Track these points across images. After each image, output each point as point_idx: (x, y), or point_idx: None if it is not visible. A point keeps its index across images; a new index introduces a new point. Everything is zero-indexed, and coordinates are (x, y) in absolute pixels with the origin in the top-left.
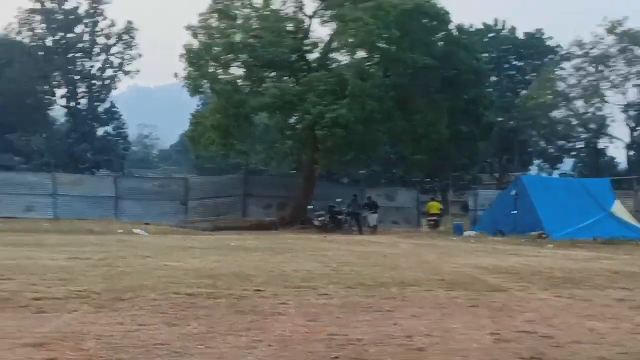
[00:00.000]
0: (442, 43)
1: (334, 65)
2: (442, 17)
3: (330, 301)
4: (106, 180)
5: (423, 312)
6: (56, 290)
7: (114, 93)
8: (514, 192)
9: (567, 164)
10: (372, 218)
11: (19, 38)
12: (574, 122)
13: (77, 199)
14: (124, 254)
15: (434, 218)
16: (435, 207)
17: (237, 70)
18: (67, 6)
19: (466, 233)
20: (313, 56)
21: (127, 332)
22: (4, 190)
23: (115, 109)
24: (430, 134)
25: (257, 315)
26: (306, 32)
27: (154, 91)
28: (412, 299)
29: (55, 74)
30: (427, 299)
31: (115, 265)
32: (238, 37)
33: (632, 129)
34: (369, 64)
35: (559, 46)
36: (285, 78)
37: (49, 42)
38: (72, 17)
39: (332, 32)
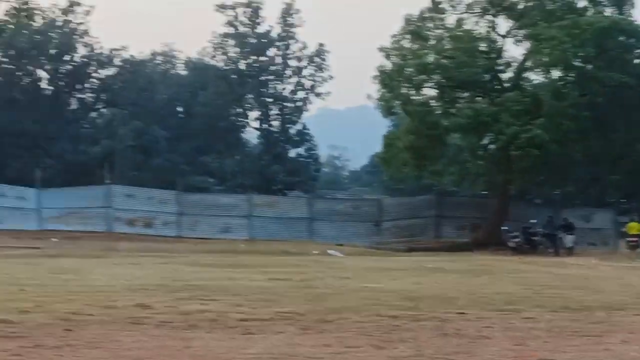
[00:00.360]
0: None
1: (528, 85)
2: None
3: (535, 325)
4: (299, 201)
5: (634, 337)
6: (261, 311)
7: (305, 115)
8: None
9: None
10: (568, 239)
11: (212, 62)
12: None
13: (271, 219)
14: (322, 275)
15: (635, 239)
16: (635, 228)
17: (429, 91)
18: (260, 30)
19: None
20: (506, 75)
21: (335, 354)
22: (200, 212)
23: (306, 131)
24: (628, 154)
25: (462, 339)
26: (499, 52)
27: (344, 112)
28: (621, 324)
29: (248, 96)
30: (636, 323)
31: (315, 286)
32: (430, 58)
33: None
34: (564, 82)
35: None
36: (478, 98)
37: (241, 65)
38: (265, 40)
39: (525, 51)
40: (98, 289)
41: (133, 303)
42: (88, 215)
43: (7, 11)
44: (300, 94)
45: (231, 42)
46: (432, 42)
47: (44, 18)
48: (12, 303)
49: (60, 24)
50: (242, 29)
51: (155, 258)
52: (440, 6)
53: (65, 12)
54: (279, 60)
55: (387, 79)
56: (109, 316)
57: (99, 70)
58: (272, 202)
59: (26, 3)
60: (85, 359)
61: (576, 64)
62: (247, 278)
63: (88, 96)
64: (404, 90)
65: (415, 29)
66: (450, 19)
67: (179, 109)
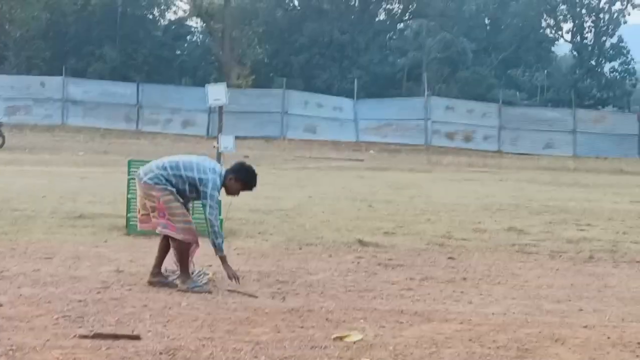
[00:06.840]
0: None
1: None
2: None
3: None
4: (628, 117)
5: None
6: None
7: (621, 27)
8: None
9: None
10: None
11: None
12: None
13: (597, 136)
14: None
15: None
16: None
17: None
18: None
19: None
20: None
21: None
22: (521, 126)
23: (622, 44)
24: None
25: None
26: None
27: None
28: None
29: (561, 7)
30: None
31: None
32: None
33: None
34: None
35: None
36: None
37: None
38: None
39: None
40: (450, 207)
41: (502, 226)
42: (405, 127)
43: None
44: (617, 5)
45: None
46: None
47: None
48: (371, 222)
49: None
50: None
51: (484, 174)
52: None
53: None
54: None
55: None
56: (484, 241)
57: None
58: (598, 117)
59: None
60: (493, 298)
61: None
62: (604, 199)
63: (396, 7)
64: None
65: None
66: None
67: (487, 20)
